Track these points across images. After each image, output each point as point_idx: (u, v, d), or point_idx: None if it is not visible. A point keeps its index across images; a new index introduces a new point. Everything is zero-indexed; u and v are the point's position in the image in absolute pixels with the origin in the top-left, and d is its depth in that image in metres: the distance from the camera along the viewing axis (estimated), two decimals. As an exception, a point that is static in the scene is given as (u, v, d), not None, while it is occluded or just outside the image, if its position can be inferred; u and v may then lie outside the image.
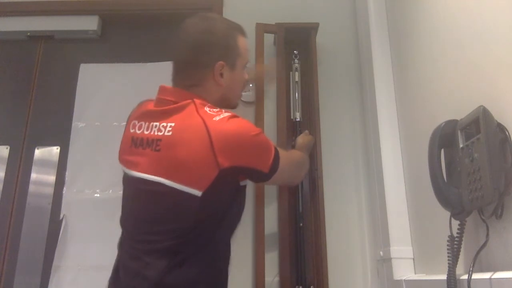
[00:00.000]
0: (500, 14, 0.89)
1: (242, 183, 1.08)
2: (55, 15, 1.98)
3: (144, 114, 1.12)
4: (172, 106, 1.07)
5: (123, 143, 1.16)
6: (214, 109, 1.05)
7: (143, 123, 1.10)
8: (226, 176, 0.99)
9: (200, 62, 1.13)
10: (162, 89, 1.14)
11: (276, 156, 1.08)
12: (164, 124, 1.04)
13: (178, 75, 1.15)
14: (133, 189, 1.08)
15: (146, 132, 1.07)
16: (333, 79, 1.82)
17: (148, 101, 1.17)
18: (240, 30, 1.20)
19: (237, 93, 1.24)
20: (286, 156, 1.16)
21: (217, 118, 1.01)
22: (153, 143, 1.04)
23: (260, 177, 1.09)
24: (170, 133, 1.02)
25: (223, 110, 1.05)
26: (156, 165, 1.02)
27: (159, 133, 1.04)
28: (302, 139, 1.49)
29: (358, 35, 1.85)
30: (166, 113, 1.07)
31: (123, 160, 1.14)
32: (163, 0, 2.01)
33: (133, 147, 1.09)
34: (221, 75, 1.13)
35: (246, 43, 1.21)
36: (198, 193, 0.97)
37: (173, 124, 1.03)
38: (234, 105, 1.23)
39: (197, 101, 1.06)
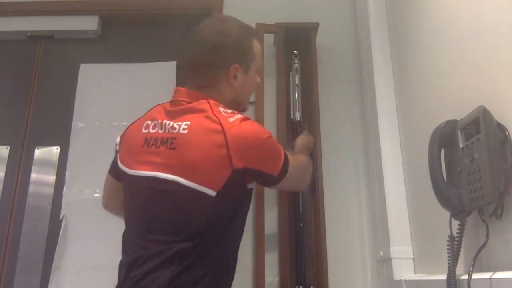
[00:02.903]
0: (500, 14, 0.89)
1: (249, 186, 1.08)
2: (55, 15, 1.98)
3: (158, 114, 1.12)
4: (186, 105, 1.08)
5: (130, 145, 1.14)
6: (228, 110, 1.06)
7: (156, 122, 1.10)
8: (237, 177, 1.00)
9: (215, 64, 1.13)
10: (176, 91, 1.15)
11: (286, 161, 1.09)
12: (179, 122, 1.05)
13: (191, 77, 1.16)
14: (145, 189, 1.06)
15: (160, 131, 1.07)
16: (333, 79, 1.81)
17: (159, 105, 1.17)
18: (255, 34, 1.22)
19: (248, 96, 1.25)
20: (294, 161, 1.16)
21: (231, 119, 1.02)
22: (167, 141, 1.04)
23: (269, 181, 1.10)
24: (185, 131, 1.02)
25: (236, 112, 1.06)
26: (171, 163, 1.02)
27: (174, 131, 1.04)
28: (302, 140, 1.49)
29: (358, 35, 1.85)
30: (181, 112, 1.07)
31: (129, 163, 1.11)
32: (163, 0, 2.01)
33: (145, 146, 1.08)
34: (235, 77, 1.14)
35: (260, 47, 1.23)
36: (212, 193, 0.98)
37: (188, 123, 1.03)
38: (244, 107, 1.24)
39: (212, 101, 1.07)
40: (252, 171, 1.03)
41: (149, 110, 1.19)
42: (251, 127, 1.04)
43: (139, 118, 1.18)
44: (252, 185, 1.10)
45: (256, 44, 1.20)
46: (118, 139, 1.19)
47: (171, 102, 1.14)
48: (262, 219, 1.58)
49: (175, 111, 1.09)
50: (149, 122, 1.12)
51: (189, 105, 1.08)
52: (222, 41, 1.14)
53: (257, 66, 1.22)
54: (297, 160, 1.24)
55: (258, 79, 1.25)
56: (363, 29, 1.76)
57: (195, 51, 1.16)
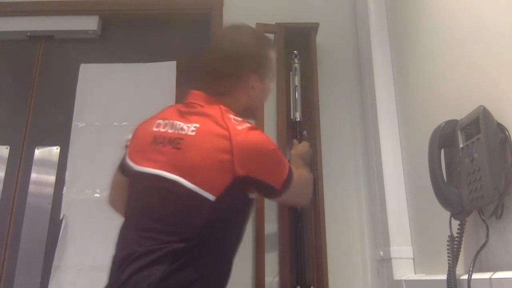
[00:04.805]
0: (500, 14, 0.89)
1: (251, 196, 1.08)
2: (55, 15, 1.98)
3: (170, 114, 1.14)
4: (199, 109, 1.10)
5: (139, 142, 1.15)
6: (238, 118, 1.06)
7: (168, 121, 1.11)
8: (238, 185, 1.00)
9: (233, 73, 1.15)
10: (192, 94, 1.17)
11: (290, 175, 1.08)
12: (189, 124, 1.06)
13: (207, 83, 1.17)
14: (147, 186, 1.07)
15: (170, 131, 1.08)
16: (333, 79, 1.82)
17: (172, 106, 1.19)
18: (270, 44, 1.26)
19: (261, 103, 1.29)
20: (298, 176, 1.16)
21: (240, 127, 1.02)
22: (174, 141, 1.05)
23: (271, 193, 1.09)
24: (193, 133, 1.03)
25: (246, 121, 1.07)
26: (175, 163, 1.02)
27: (182, 132, 1.05)
28: (295, 150, 1.47)
29: (358, 35, 1.85)
30: (192, 114, 1.09)
31: (136, 159, 1.12)
32: (163, 0, 2.01)
33: (153, 144, 1.09)
34: (252, 87, 1.16)
35: (274, 55, 1.26)
36: (212, 197, 0.98)
37: (197, 125, 1.04)
38: (256, 114, 1.26)
39: (223, 107, 1.08)
40: (253, 180, 1.02)
41: (162, 110, 1.20)
42: (257, 137, 1.04)
43: (151, 117, 1.19)
44: (254, 195, 1.09)
45: (272, 53, 1.23)
46: (129, 136, 1.21)
47: (185, 103, 1.15)
48: (262, 219, 1.58)
49: (187, 112, 1.10)
50: (160, 121, 1.13)
51: (202, 108, 1.10)
52: (241, 51, 1.16)
53: (272, 74, 1.24)
54: (300, 174, 1.24)
55: (272, 86, 1.27)
56: (363, 29, 1.76)
57: (213, 60, 1.18)
